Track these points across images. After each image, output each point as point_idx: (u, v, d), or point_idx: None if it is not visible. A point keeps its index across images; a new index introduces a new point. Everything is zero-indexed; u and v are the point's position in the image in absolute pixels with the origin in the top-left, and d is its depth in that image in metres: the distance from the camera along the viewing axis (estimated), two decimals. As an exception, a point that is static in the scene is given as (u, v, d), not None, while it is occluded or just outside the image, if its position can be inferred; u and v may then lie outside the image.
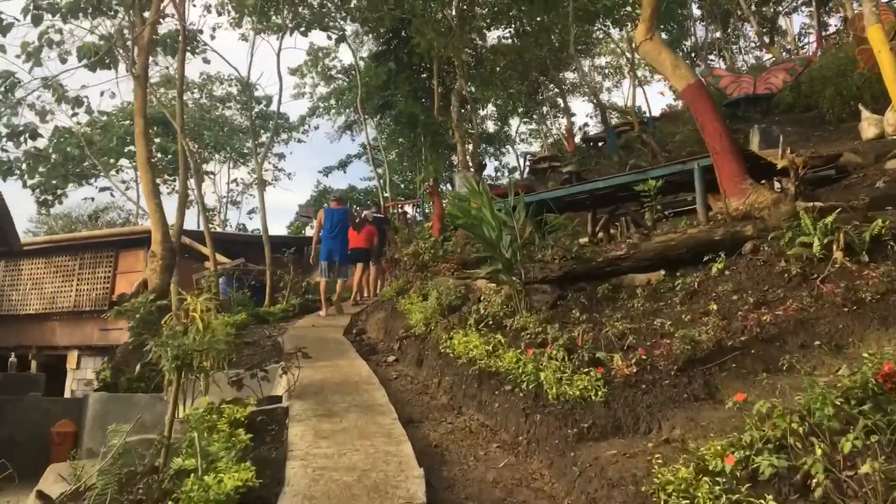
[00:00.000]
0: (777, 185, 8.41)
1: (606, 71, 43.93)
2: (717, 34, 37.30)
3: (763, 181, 7.82)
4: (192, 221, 39.60)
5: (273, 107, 36.99)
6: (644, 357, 5.17)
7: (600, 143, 23.49)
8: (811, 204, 6.59)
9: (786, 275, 6.08)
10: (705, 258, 6.93)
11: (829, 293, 5.39)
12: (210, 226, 38.89)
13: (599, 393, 4.89)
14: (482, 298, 7.78)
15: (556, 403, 4.99)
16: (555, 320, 6.80)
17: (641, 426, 4.68)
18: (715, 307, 5.87)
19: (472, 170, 20.30)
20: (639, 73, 30.88)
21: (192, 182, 34.87)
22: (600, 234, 9.88)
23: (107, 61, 13.79)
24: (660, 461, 3.97)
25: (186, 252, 18.30)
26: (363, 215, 15.73)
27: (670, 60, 7.60)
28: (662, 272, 7.12)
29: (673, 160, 14.50)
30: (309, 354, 6.73)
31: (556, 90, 38.70)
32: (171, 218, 13.12)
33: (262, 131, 36.66)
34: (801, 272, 5.97)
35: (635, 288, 7.26)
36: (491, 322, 7.23)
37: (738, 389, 4.70)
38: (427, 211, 28.74)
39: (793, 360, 4.95)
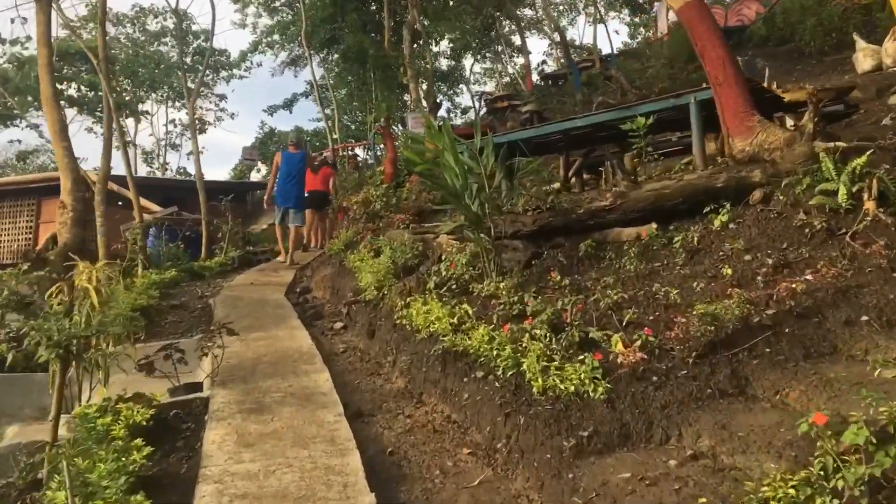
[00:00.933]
0: (779, 122, 7.37)
1: (562, 7, 42.67)
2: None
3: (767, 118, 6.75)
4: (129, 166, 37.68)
5: (214, 42, 34.95)
6: (652, 339, 4.12)
7: (560, 81, 22.29)
8: (831, 144, 5.56)
9: (807, 230, 5.06)
10: (706, 209, 5.90)
11: (874, 254, 4.39)
12: (150, 170, 37.01)
13: (599, 388, 3.83)
14: (443, 257, 6.65)
15: (543, 400, 3.92)
16: (531, 285, 5.74)
17: (656, 433, 3.64)
18: (729, 271, 4.83)
19: (426, 109, 18.97)
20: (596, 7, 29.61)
21: (125, 123, 32.86)
22: (573, 180, 8.77)
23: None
24: (695, 491, 2.96)
25: (119, 200, 16.76)
26: (323, 156, 14.60)
27: (665, -27, 6.43)
28: (654, 225, 6.07)
29: (644, 97, 13.43)
30: (235, 331, 5.54)
31: (512, 26, 37.39)
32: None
33: (199, 67, 34.75)
34: (826, 226, 4.96)
35: (622, 244, 6.21)
36: (454, 286, 6.13)
37: (774, 381, 3.70)
38: (379, 154, 27.40)
39: (838, 340, 3.98)
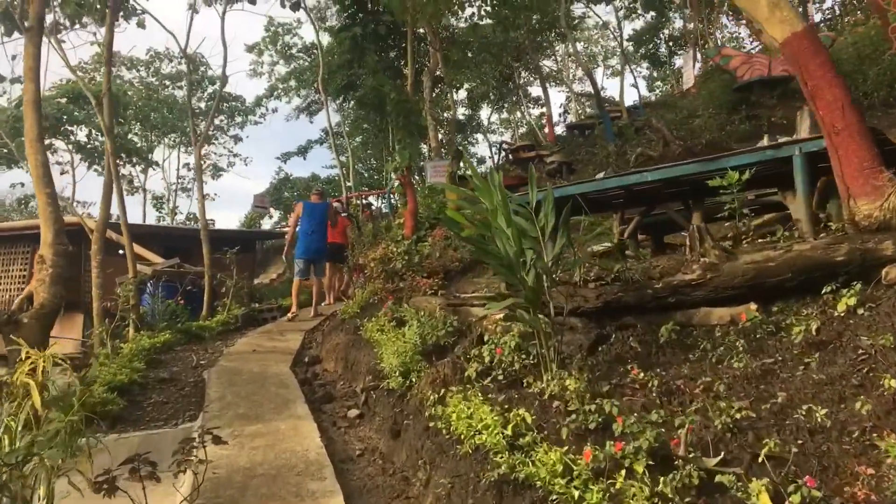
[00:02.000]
0: None
1: (583, 58, 42.05)
2: (691, 25, 35.42)
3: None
4: (138, 213, 36.67)
5: (229, 88, 34.39)
6: (817, 493, 2.84)
7: (587, 132, 21.24)
8: None
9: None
10: (823, 289, 4.66)
11: None
12: (159, 215, 36.08)
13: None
14: (486, 337, 5.39)
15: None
16: (603, 380, 4.49)
17: None
18: (894, 383, 3.56)
19: (447, 159, 17.93)
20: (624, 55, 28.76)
21: (134, 169, 32.05)
22: (628, 242, 7.57)
23: None
24: None
25: (121, 249, 15.65)
26: (334, 207, 13.67)
27: (767, 0, 5.29)
28: (753, 306, 4.82)
29: (689, 149, 12.34)
30: (222, 438, 4.27)
31: (531, 76, 36.68)
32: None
33: (216, 114, 34.06)
34: None
35: (711, 328, 4.97)
36: (502, 377, 4.88)
37: None
38: (394, 203, 26.37)
39: None
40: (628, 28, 32.70)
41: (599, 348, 5.12)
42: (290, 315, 11.62)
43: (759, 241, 5.57)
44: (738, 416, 3.56)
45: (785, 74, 15.39)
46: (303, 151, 34.31)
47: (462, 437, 4.27)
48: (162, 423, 6.28)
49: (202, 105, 33.20)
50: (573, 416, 3.99)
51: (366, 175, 36.56)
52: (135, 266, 11.11)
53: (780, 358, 4.32)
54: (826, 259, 4.69)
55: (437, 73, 21.29)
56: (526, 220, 4.92)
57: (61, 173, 28.02)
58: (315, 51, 27.69)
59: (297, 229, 11.38)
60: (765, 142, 9.54)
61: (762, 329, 4.64)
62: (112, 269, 13.85)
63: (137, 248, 14.83)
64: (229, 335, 11.26)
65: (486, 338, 5.40)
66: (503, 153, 27.03)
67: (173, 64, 32.85)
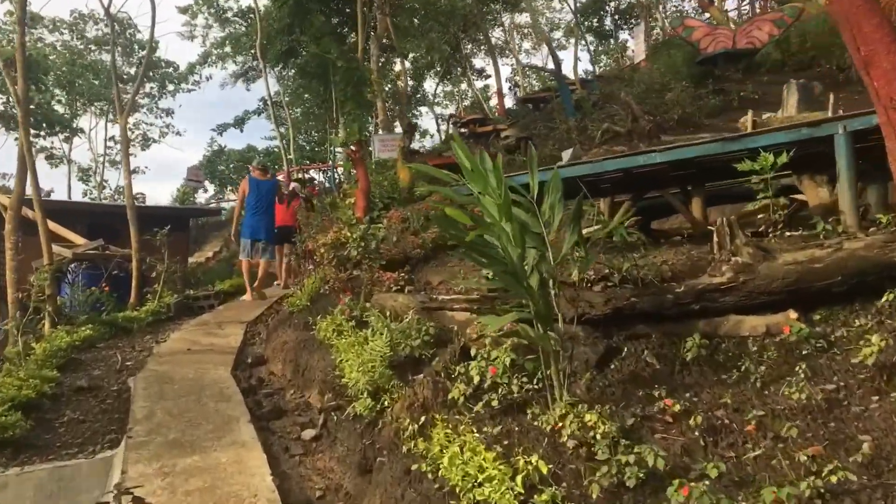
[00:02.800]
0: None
1: (526, 30, 41.24)
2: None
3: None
4: (62, 187, 34.43)
5: (160, 53, 32.45)
6: None
7: (542, 105, 20.40)
8: None
9: None
10: (880, 294, 3.91)
11: None
12: (85, 188, 34.02)
13: None
14: (474, 352, 4.48)
15: None
16: (626, 412, 3.65)
17: None
18: None
19: (396, 133, 16.93)
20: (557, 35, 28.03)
21: (55, 139, 29.99)
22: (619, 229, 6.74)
23: None
24: None
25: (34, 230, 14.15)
26: (290, 188, 12.88)
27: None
28: (793, 314, 4.04)
29: (659, 125, 11.61)
30: (143, 500, 3.28)
31: (476, 47, 35.70)
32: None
33: (146, 80, 32.11)
34: None
35: (743, 341, 4.18)
36: (496, 403, 4.00)
37: None
38: (339, 179, 25.19)
39: None
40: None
41: (610, 364, 4.28)
42: (245, 297, 11.17)
43: (788, 234, 4.78)
44: (833, 478, 2.74)
45: (749, 47, 14.80)
46: (239, 123, 32.64)
47: (457, 489, 3.37)
48: (76, 451, 5.23)
49: (131, 71, 31.24)
50: (603, 469, 3.13)
51: (307, 148, 35.16)
52: (51, 249, 9.81)
53: (843, 384, 3.54)
54: (886, 260, 3.93)
55: (384, 40, 20.17)
56: (526, 212, 4.01)
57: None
58: (252, 15, 26.15)
59: (243, 207, 10.92)
60: (749, 117, 8.84)
61: (809, 344, 3.86)
62: (30, 252, 12.51)
63: (56, 228, 13.46)
64: (161, 327, 10.14)
65: (472, 351, 4.49)
66: (453, 127, 26.05)
67: (99, 27, 30.72)
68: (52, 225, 13.49)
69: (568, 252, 3.95)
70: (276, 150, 37.28)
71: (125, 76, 30.13)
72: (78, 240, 13.05)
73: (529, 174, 4.12)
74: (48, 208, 15.17)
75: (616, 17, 35.09)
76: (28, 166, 9.80)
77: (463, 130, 24.52)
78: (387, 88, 27.98)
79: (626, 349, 4.34)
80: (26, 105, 11.41)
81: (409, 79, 28.10)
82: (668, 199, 6.17)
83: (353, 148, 11.57)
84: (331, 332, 6.51)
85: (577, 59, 26.26)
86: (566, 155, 11.45)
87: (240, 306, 11.15)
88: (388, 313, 5.86)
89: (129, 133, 33.83)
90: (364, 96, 11.04)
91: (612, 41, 37.64)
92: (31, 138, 27.67)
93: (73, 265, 11.72)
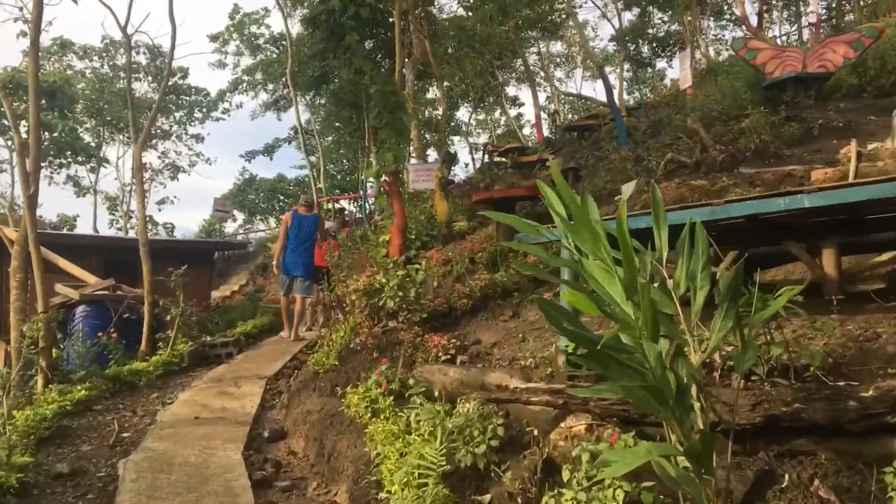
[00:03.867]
0: None
1: (558, 59, 40.19)
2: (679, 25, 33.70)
3: None
4: (88, 216, 33.79)
5: (191, 80, 31.81)
6: None
7: (587, 133, 19.17)
8: None
9: None
10: None
11: None
12: (112, 218, 33.35)
13: None
14: (567, 472, 3.20)
15: None
16: None
17: None
18: None
19: (435, 163, 15.84)
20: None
21: (79, 168, 29.33)
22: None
23: None
24: None
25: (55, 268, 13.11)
26: (326, 227, 12.00)
27: None
28: None
29: (734, 157, 10.28)
30: None
31: (509, 75, 34.64)
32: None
33: (174, 108, 31.48)
34: None
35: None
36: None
37: None
38: (371, 208, 24.13)
39: None
40: (609, 28, 30.80)
41: (765, 499, 2.98)
42: (283, 334, 11.07)
43: None
44: None
45: (822, 72, 13.44)
46: (269, 150, 31.88)
47: None
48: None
49: (157, 97, 30.57)
50: None
51: (338, 177, 34.26)
52: (43, 295, 8.69)
53: None
54: None
55: (419, 66, 19.15)
56: (661, 293, 2.76)
57: (-1, 171, 25.32)
58: (284, 42, 25.37)
59: (285, 242, 10.68)
60: (852, 147, 7.54)
61: None
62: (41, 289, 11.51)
63: (67, 265, 12.46)
64: (171, 381, 9.00)
65: (564, 472, 3.21)
66: (488, 156, 24.86)
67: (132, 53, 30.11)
68: (62, 262, 12.53)
69: (718, 345, 2.69)
70: (305, 178, 36.56)
71: (153, 104, 29.44)
72: (89, 278, 11.99)
73: (654, 225, 2.89)
74: (60, 243, 14.32)
75: (654, 44, 33.91)
76: (24, 194, 8.70)
77: (501, 160, 23.44)
78: (424, 115, 27.08)
79: (786, 477, 3.04)
80: (38, 130, 10.38)
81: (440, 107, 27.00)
82: (788, 248, 4.89)
83: (387, 179, 10.43)
84: (363, 407, 5.29)
85: (622, 83, 24.94)
86: (627, 189, 10.15)
87: (259, 356, 10.01)
88: (436, 391, 4.62)
89: (160, 161, 33.51)
90: (401, 123, 9.89)
91: (648, 69, 36.44)
92: (55, 168, 27.06)
93: (80, 308, 10.65)
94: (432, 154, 27.34)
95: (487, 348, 6.16)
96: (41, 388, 7.83)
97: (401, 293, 7.17)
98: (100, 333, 9.79)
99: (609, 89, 15.10)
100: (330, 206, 25.63)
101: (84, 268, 13.19)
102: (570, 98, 36.60)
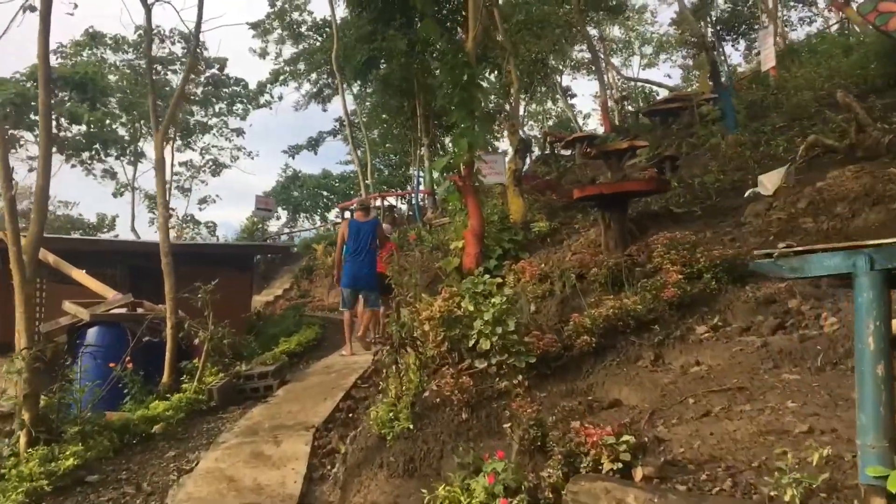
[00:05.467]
0: None
1: (614, 46, 37.83)
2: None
3: None
4: (127, 215, 32.38)
5: (228, 70, 30.17)
6: None
7: (671, 118, 16.90)
8: None
9: None
10: None
11: None
12: (151, 217, 31.97)
13: None
14: None
15: None
16: None
17: None
18: None
19: (503, 152, 13.83)
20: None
21: (117, 162, 27.84)
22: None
23: None
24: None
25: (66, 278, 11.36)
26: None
27: None
28: None
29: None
30: None
31: (570, 62, 32.44)
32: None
33: (213, 99, 29.94)
34: None
35: None
36: None
37: None
38: (423, 204, 22.20)
39: None
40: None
41: None
42: (344, 351, 10.16)
43: None
44: None
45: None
46: (313, 145, 30.08)
47: None
48: None
49: (199, 91, 29.08)
50: None
51: (385, 172, 32.39)
52: (29, 322, 6.82)
53: None
54: None
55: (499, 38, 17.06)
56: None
57: (29, 170, 23.91)
58: (328, 28, 23.56)
59: (343, 251, 9.80)
60: None
61: None
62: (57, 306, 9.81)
63: (82, 277, 10.72)
64: (195, 429, 7.16)
65: None
66: (548, 146, 22.67)
67: (165, 44, 28.61)
68: (76, 273, 10.81)
69: None
70: (351, 174, 34.81)
71: (191, 97, 27.92)
72: (107, 292, 10.23)
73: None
74: (78, 249, 12.59)
75: (718, 27, 31.21)
76: (4, 193, 6.82)
77: (567, 152, 21.25)
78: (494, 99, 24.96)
79: None
80: (48, 119, 8.50)
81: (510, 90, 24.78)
82: None
83: (460, 172, 8.43)
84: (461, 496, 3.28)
85: (722, 60, 22.48)
86: (770, 180, 8.03)
87: (305, 391, 8.10)
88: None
89: (201, 158, 32.00)
90: (476, 102, 7.93)
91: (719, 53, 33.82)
92: (87, 161, 25.60)
93: (93, 330, 8.88)
94: (502, 145, 25.33)
95: (638, 415, 4.12)
96: (23, 449, 6.00)
97: (500, 330, 5.15)
98: (112, 364, 7.99)
99: (715, 63, 12.87)
100: (378, 203, 23.83)
101: (106, 278, 11.46)
102: (634, 84, 34.13)
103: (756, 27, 32.81)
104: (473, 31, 8.52)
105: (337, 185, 35.66)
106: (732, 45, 32.96)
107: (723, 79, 16.25)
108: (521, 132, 22.72)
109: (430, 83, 20.49)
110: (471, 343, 5.30)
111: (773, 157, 10.14)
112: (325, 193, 35.74)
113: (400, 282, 7.15)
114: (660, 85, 29.02)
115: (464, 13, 10.27)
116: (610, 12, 28.81)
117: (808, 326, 4.75)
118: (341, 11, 22.41)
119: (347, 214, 27.71)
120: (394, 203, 25.76)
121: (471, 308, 5.62)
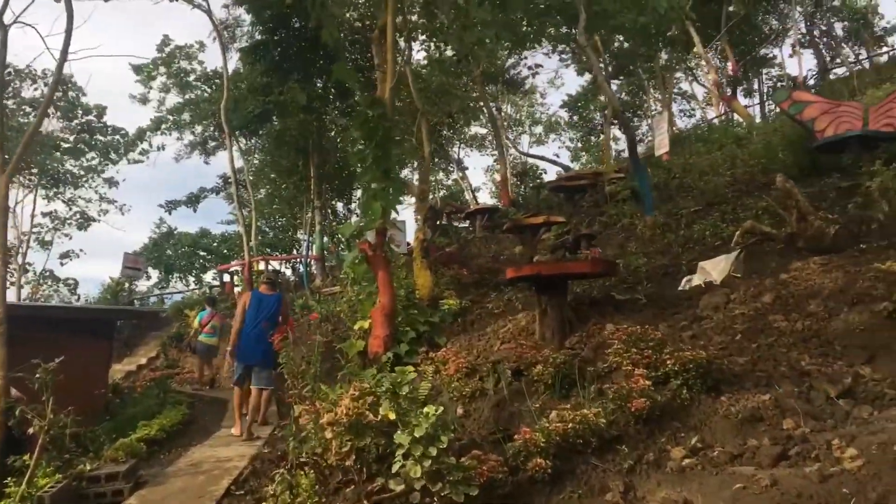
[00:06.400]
0: None
1: (506, 123, 38.17)
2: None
3: None
4: None
5: (108, 118, 28.03)
6: None
7: (577, 195, 16.41)
8: None
9: None
10: None
11: None
12: (10, 275, 28.91)
13: None
14: None
15: None
16: None
17: None
18: None
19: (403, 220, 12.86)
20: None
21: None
22: None
23: None
24: None
25: None
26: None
27: None
28: None
29: (855, 234, 7.50)
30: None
31: (462, 136, 32.21)
32: None
33: (86, 148, 27.65)
34: None
35: None
36: None
37: None
38: (310, 269, 20.85)
39: None
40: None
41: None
42: (234, 432, 9.22)
43: None
44: None
45: (889, 131, 11.05)
46: (193, 201, 28.07)
47: None
48: None
49: (70, 138, 26.82)
50: None
51: (270, 234, 30.72)
52: None
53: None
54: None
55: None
56: None
57: None
58: (217, 80, 22.18)
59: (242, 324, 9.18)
60: None
61: None
62: None
63: None
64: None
65: None
66: (445, 217, 21.80)
67: (38, 85, 26.29)
68: None
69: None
70: (232, 235, 32.95)
71: (59, 143, 25.72)
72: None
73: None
74: None
75: (605, 110, 31.90)
76: None
77: (464, 224, 20.48)
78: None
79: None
80: None
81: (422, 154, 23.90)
82: None
83: (369, 240, 7.27)
84: None
85: (608, 143, 22.52)
86: (712, 268, 7.29)
87: (165, 501, 6.53)
88: None
89: (68, 209, 29.35)
90: (390, 160, 6.88)
91: (601, 136, 34.58)
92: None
93: None
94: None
95: None
96: None
97: (433, 450, 3.96)
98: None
99: (633, 141, 12.39)
100: (262, 266, 22.26)
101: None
102: (524, 160, 34.13)
103: (640, 114, 33.93)
104: (391, 80, 7.51)
105: (215, 245, 33.68)
106: (621, 130, 33.70)
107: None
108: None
109: (325, 143, 19.45)
110: (394, 468, 4.06)
111: (699, 241, 9.56)
112: (202, 253, 33.68)
113: (294, 370, 5.85)
114: (554, 162, 29.12)
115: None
116: (509, 86, 28.91)
117: (821, 457, 3.81)
118: (234, 62, 21.23)
119: (227, 277, 26.00)
120: (278, 268, 24.26)
121: (391, 416, 4.42)
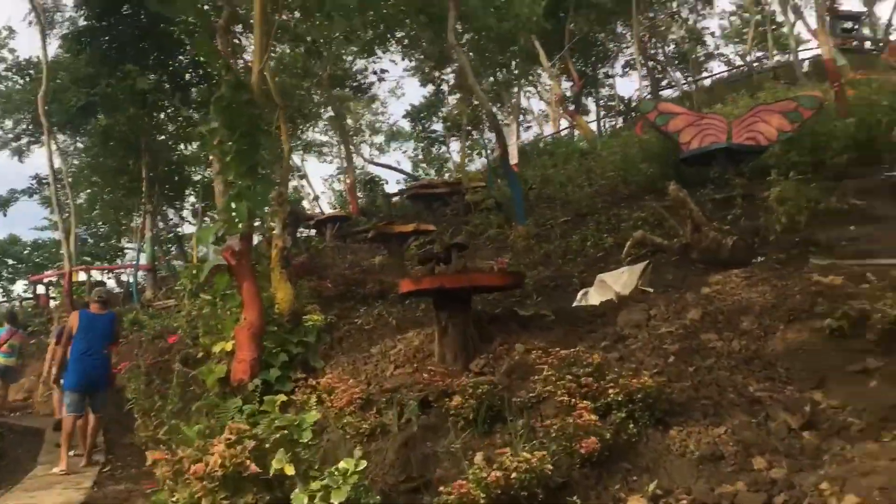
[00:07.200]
0: None
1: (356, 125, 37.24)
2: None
3: None
4: None
5: None
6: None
7: (437, 203, 15.79)
8: None
9: None
10: None
11: None
12: None
13: None
14: None
15: None
16: None
17: None
18: None
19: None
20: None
21: None
22: None
23: None
24: None
25: None
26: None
27: None
28: None
29: (748, 245, 7.26)
30: None
31: (300, 142, 30.94)
32: None
33: None
34: None
35: None
36: None
37: None
38: (141, 284, 18.93)
39: None
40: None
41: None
42: (60, 468, 7.91)
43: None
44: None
45: (751, 144, 11.24)
46: (2, 204, 24.99)
47: None
48: None
49: None
50: None
51: (90, 241, 27.91)
52: None
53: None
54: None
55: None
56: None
57: None
58: (32, 71, 19.72)
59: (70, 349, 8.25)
60: None
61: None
62: None
63: None
64: None
65: None
66: (299, 222, 20.52)
67: None
68: None
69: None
70: (48, 242, 29.87)
71: None
72: None
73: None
74: None
75: (448, 122, 31.72)
76: None
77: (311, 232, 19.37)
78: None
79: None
80: None
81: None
82: None
83: (232, 247, 6.18)
84: None
85: (464, 155, 22.11)
86: (614, 281, 6.77)
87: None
88: None
89: None
90: (258, 153, 5.87)
91: (442, 147, 34.48)
92: None
93: None
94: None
95: None
96: None
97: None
98: None
99: (505, 147, 11.93)
100: (83, 277, 20.11)
101: None
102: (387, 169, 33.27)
103: (481, 127, 33.98)
104: (260, 62, 6.46)
105: (26, 252, 30.35)
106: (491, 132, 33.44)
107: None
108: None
109: (157, 142, 17.68)
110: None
111: (580, 253, 9.15)
112: (10, 262, 30.29)
113: (146, 407, 4.67)
114: (403, 172, 28.58)
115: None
116: (356, 91, 27.97)
117: (813, 508, 3.25)
118: (54, 49, 18.92)
119: (41, 289, 23.25)
120: (101, 279, 22.00)
121: (289, 471, 3.44)
